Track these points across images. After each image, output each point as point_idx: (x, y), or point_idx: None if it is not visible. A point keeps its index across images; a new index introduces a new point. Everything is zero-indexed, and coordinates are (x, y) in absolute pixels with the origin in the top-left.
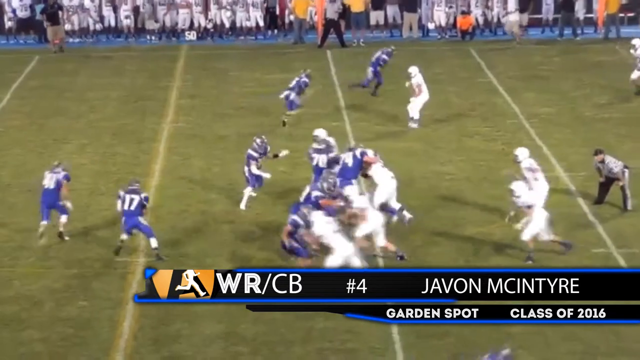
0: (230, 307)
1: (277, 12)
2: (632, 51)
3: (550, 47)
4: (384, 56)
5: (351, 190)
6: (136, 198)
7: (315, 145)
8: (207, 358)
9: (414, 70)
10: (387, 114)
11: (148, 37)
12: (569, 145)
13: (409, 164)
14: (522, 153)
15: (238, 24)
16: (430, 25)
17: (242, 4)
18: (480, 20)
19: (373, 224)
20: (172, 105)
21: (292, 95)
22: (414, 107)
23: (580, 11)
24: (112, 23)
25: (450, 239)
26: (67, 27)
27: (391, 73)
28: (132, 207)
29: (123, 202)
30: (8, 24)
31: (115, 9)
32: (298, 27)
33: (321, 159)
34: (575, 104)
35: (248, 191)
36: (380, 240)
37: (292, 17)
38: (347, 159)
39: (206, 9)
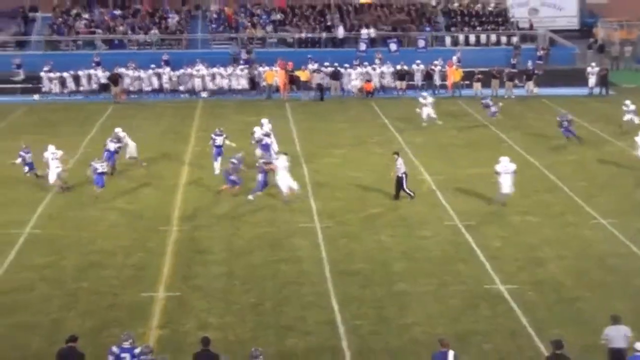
0: (230, 255)
1: (256, 79)
2: (623, 107)
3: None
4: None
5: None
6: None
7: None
8: (213, 287)
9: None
10: (323, 141)
11: (180, 95)
12: (432, 160)
13: (335, 170)
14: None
15: (233, 87)
16: (347, 87)
17: (234, 75)
18: (378, 85)
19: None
20: (193, 136)
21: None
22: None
23: (437, 80)
24: (157, 86)
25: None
26: (131, 88)
27: (324, 116)
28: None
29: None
30: (94, 86)
31: (159, 77)
32: (268, 89)
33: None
34: (436, 135)
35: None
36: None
37: (264, 83)
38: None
39: (213, 78)
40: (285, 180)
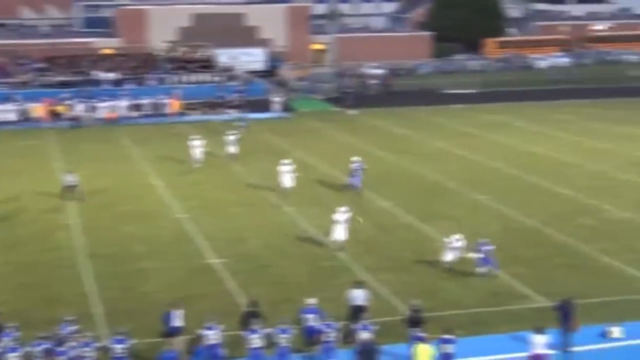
0: None
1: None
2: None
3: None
4: None
5: None
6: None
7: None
8: None
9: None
10: (81, 157)
11: None
12: (158, 168)
13: (96, 177)
14: None
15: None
16: (98, 116)
17: (4, 110)
18: (123, 114)
19: None
20: None
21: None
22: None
23: (166, 109)
24: None
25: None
26: None
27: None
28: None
29: None
30: None
31: None
32: (36, 120)
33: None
34: (156, 150)
35: None
36: None
37: (33, 115)
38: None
39: None
40: None
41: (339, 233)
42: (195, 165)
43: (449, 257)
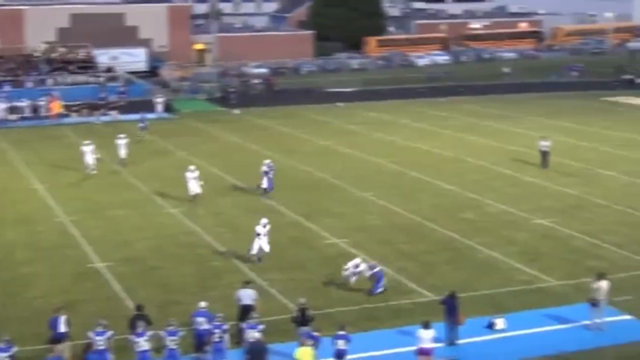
0: None
1: None
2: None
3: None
4: None
5: None
6: None
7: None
8: None
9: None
10: None
11: None
12: (40, 172)
13: None
14: None
15: None
16: None
17: None
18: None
19: None
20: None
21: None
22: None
23: (43, 111)
24: None
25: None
26: None
27: None
28: None
29: None
30: None
31: None
32: None
33: None
34: (42, 153)
35: None
36: None
37: None
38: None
39: None
40: None
41: (264, 245)
42: (90, 171)
43: (352, 280)
